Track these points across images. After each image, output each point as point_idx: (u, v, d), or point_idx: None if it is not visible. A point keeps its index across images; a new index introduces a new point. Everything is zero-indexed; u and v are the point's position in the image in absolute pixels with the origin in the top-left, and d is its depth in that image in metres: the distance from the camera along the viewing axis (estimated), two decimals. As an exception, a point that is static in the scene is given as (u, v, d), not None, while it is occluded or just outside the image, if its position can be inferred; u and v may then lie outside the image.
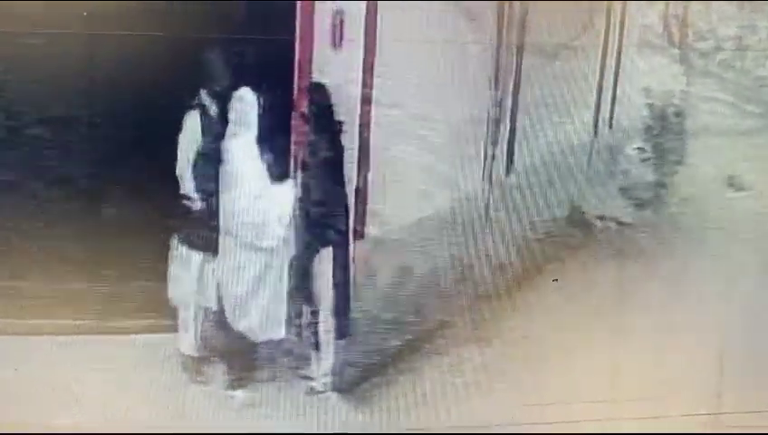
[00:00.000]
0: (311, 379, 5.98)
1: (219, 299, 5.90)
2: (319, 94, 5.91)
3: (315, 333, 5.95)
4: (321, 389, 5.97)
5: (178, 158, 5.83)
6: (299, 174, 5.87)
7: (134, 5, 5.78)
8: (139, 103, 5.87)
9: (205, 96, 5.83)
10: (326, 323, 5.93)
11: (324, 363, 5.97)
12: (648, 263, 6.41)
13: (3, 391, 5.70)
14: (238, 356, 5.93)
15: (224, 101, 5.80)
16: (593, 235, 6.62)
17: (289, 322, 5.91)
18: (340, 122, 5.94)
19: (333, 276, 5.88)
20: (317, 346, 5.96)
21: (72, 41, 5.82)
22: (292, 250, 5.86)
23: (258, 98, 5.75)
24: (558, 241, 6.59)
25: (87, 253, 6.01)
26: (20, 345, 5.88)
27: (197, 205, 5.84)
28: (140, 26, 5.81)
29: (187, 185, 5.84)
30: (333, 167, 5.90)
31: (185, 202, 5.85)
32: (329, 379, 5.98)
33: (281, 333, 5.91)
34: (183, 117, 5.82)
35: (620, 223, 6.63)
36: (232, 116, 5.78)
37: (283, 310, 5.87)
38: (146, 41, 5.82)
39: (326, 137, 5.87)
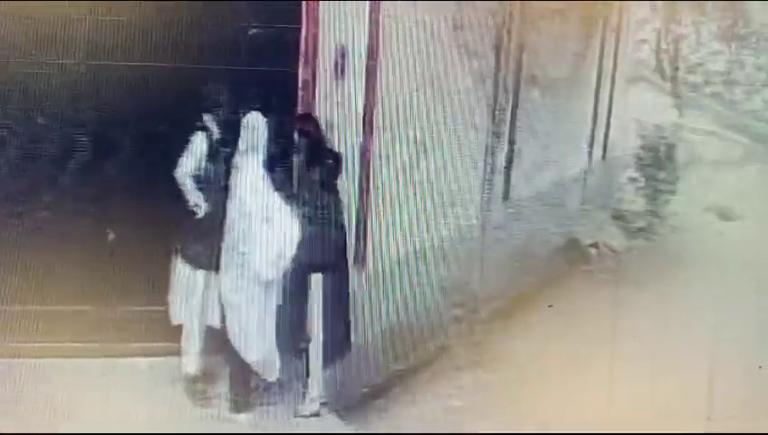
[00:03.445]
0: (301, 402, 5.97)
1: (222, 318, 5.92)
2: (307, 124, 5.99)
3: (306, 358, 5.96)
4: (306, 413, 5.96)
5: (179, 169, 5.87)
6: (299, 200, 5.92)
7: (150, 38, 5.92)
8: (147, 129, 5.97)
9: (210, 119, 5.91)
10: (316, 347, 5.93)
11: (314, 388, 5.97)
12: (641, 289, 6.49)
13: (5, 412, 5.68)
14: (241, 377, 5.93)
15: (230, 125, 5.86)
16: (588, 262, 6.70)
17: (282, 364, 5.93)
18: (333, 152, 6.02)
19: (324, 303, 5.90)
20: (307, 371, 5.96)
21: (83, 70, 5.93)
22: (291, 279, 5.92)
23: (266, 124, 5.82)
24: (553, 268, 6.68)
25: (91, 276, 6.05)
26: (23, 368, 5.88)
27: (202, 210, 5.90)
28: (154, 57, 5.95)
29: (190, 193, 5.90)
30: (328, 194, 5.94)
31: (191, 209, 5.88)
32: (317, 403, 5.97)
33: (274, 375, 5.93)
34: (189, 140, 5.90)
35: (614, 250, 6.71)
36: (240, 140, 5.84)
37: (281, 344, 5.90)
38: (156, 71, 5.94)
39: (317, 166, 5.93)
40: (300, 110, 6.12)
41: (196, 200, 5.89)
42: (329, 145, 6.02)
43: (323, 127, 6.04)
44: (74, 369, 5.95)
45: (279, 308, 5.87)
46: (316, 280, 5.90)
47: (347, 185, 6.09)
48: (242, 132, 5.83)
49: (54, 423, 5.70)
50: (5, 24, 5.82)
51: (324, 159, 5.96)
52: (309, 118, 6.05)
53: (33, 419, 5.70)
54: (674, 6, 6.89)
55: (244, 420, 5.93)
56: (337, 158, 6.03)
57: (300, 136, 5.95)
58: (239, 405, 5.94)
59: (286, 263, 5.82)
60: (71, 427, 5.66)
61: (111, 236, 6.09)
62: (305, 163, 5.91)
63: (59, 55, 5.89)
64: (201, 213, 5.88)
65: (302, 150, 5.93)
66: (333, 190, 5.96)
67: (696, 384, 6.05)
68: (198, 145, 5.89)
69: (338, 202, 5.97)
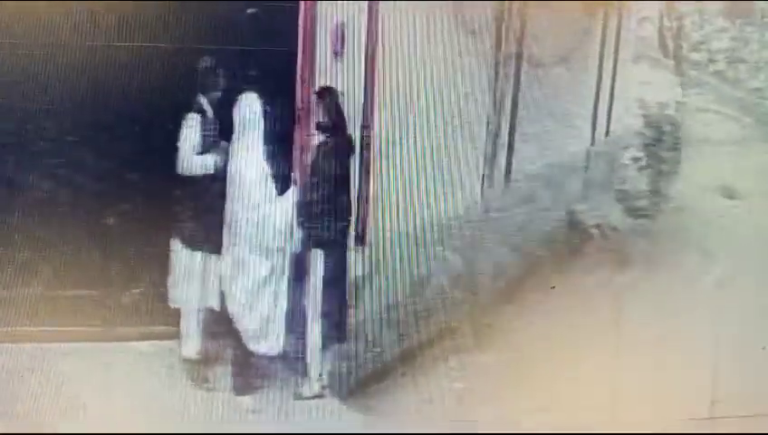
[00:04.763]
0: (300, 384, 5.99)
1: (222, 300, 5.93)
2: (328, 97, 5.96)
3: (303, 338, 5.96)
4: (308, 394, 5.98)
5: (180, 158, 5.87)
6: (301, 178, 5.92)
7: (143, 17, 5.86)
8: (142, 111, 5.93)
9: (205, 101, 5.89)
10: (315, 327, 5.93)
11: (313, 368, 5.98)
12: (644, 269, 6.50)
13: (8, 397, 5.71)
14: (242, 359, 5.94)
15: (224, 105, 5.85)
16: (590, 242, 6.71)
17: (286, 337, 5.94)
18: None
19: (324, 280, 5.90)
20: (304, 350, 5.97)
21: (78, 52, 5.88)
22: (292, 258, 5.92)
23: (263, 104, 5.80)
24: (555, 249, 6.69)
25: (90, 260, 6.04)
26: (25, 352, 5.89)
27: (213, 168, 5.87)
28: (149, 38, 5.90)
29: (198, 166, 5.88)
30: (338, 170, 5.94)
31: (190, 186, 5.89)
32: (318, 384, 5.99)
33: (278, 348, 5.93)
34: (184, 122, 5.88)
35: (616, 230, 6.72)
36: (236, 120, 5.82)
37: (281, 325, 5.91)
38: (151, 51, 5.89)
39: (335, 140, 5.93)
40: (299, 88, 6.05)
41: (207, 163, 5.85)
42: (347, 121, 5.99)
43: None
44: (74, 353, 5.95)
45: (280, 282, 5.89)
46: (316, 256, 5.89)
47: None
48: (238, 113, 5.81)
49: (54, 407, 5.73)
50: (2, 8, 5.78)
51: (342, 135, 5.95)
52: (331, 91, 5.99)
53: (33, 403, 5.72)
54: (678, -16, 6.87)
55: (246, 403, 5.94)
56: (350, 137, 6.02)
57: (323, 108, 5.93)
58: (241, 387, 5.95)
59: (287, 241, 5.82)
60: (72, 409, 5.69)
61: (111, 219, 6.06)
62: (323, 137, 5.91)
63: (56, 37, 5.84)
64: (212, 170, 5.84)
65: (322, 125, 5.91)
66: (345, 167, 5.95)
67: (700, 367, 6.09)
68: (194, 127, 5.86)
69: (347, 179, 5.97)
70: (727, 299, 6.34)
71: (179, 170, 5.89)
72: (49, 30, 5.82)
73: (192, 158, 5.87)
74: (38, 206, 5.98)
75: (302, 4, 6.01)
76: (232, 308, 5.90)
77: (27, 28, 5.81)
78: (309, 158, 5.94)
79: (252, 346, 5.91)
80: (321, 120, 5.92)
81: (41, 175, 5.97)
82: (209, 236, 5.88)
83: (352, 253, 6.08)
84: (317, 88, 5.97)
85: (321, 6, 6.02)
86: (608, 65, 7.10)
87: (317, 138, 5.92)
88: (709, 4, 6.85)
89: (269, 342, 5.92)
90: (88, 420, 5.70)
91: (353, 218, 6.10)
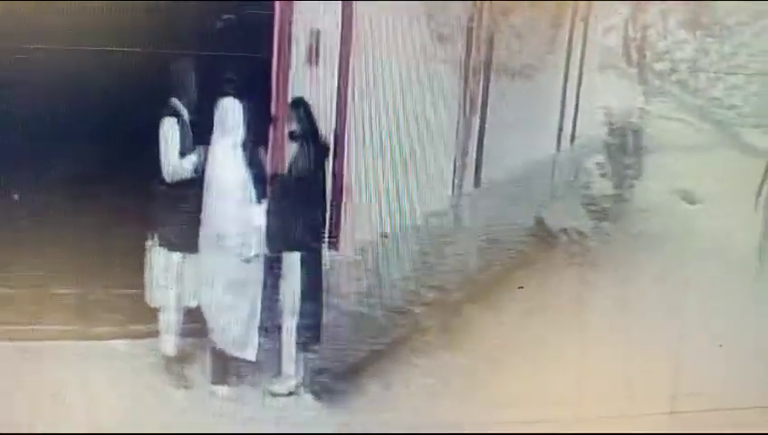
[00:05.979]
0: (276, 381, 6.02)
1: (199, 299, 5.96)
2: (300, 108, 6.01)
3: (278, 336, 5.99)
4: (282, 391, 6.01)
5: (164, 162, 5.91)
6: (276, 182, 5.98)
7: (119, 23, 5.90)
8: (119, 114, 5.92)
9: (181, 105, 5.91)
10: (289, 327, 5.97)
11: (288, 366, 6.01)
12: (608, 271, 6.62)
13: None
14: (221, 353, 5.96)
15: (203, 110, 5.86)
16: (556, 245, 6.81)
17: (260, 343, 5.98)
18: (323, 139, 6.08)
19: (301, 282, 5.94)
20: (279, 349, 6.00)
21: (54, 56, 5.87)
22: (267, 261, 5.97)
23: (242, 109, 5.83)
24: (523, 251, 6.78)
25: (69, 259, 6.02)
26: (2, 351, 5.88)
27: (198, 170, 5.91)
28: (125, 43, 5.93)
29: (186, 170, 5.92)
30: (312, 175, 5.99)
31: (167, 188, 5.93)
32: (293, 382, 6.02)
33: (252, 355, 5.98)
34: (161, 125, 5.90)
35: (581, 234, 6.83)
36: (215, 124, 5.85)
37: (255, 332, 5.96)
38: (127, 56, 5.91)
39: (311, 148, 5.98)
40: (275, 95, 6.12)
41: (185, 166, 5.91)
42: (320, 129, 6.04)
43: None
44: (53, 352, 5.95)
45: (256, 286, 5.93)
46: (293, 259, 5.95)
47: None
48: (217, 117, 5.83)
49: (33, 406, 5.71)
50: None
51: (317, 142, 6.00)
52: (302, 102, 6.04)
53: (11, 401, 5.70)
54: (642, -4, 7.00)
55: (223, 392, 5.98)
56: (326, 142, 6.08)
57: (295, 118, 5.96)
58: (218, 377, 5.99)
59: (263, 243, 5.88)
60: (51, 407, 5.69)
61: (90, 218, 6.08)
62: (299, 145, 5.94)
63: (31, 42, 5.84)
64: (191, 174, 5.89)
65: (297, 133, 5.95)
66: (320, 172, 6.00)
67: (662, 364, 6.19)
68: (171, 131, 5.90)
69: (322, 184, 6.02)
70: (688, 299, 6.45)
71: (162, 174, 5.93)
72: (24, 35, 5.80)
73: (170, 161, 5.92)
74: (15, 205, 5.99)
75: (277, 9, 6.05)
76: (207, 309, 5.94)
77: (9, 32, 5.81)
78: (284, 163, 6.02)
79: (226, 346, 5.97)
80: (293, 129, 5.98)
81: (17, 176, 5.97)
82: (186, 238, 5.90)
83: (326, 256, 6.12)
84: (290, 98, 6.04)
85: (295, 13, 6.05)
86: (574, 74, 7.22)
87: (291, 145, 5.98)
88: (672, 12, 6.97)
89: (246, 351, 5.96)
90: (65, 420, 5.69)
91: (327, 222, 6.15)
